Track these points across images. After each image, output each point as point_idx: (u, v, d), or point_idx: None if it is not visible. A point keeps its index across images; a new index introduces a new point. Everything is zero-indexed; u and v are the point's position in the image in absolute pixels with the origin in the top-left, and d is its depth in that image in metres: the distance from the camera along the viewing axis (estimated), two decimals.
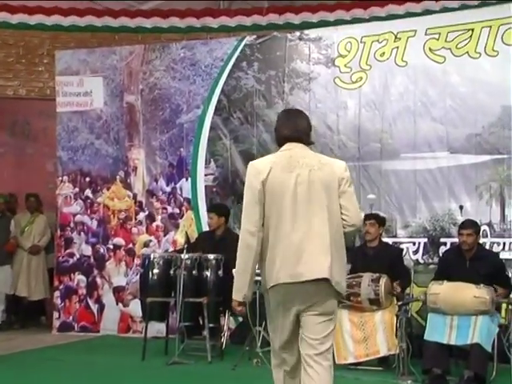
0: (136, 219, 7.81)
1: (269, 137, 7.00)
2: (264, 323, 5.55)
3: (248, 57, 7.49)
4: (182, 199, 7.64)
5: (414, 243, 6.63)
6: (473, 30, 6.47)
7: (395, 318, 5.44)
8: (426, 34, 6.67)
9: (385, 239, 6.39)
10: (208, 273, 6.24)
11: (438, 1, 7.93)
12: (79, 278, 7.88)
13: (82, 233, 7.96)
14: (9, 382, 5.37)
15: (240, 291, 3.36)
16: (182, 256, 6.07)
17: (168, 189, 7.71)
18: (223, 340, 6.45)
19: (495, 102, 6.40)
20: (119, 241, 7.83)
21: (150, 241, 7.71)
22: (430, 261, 6.50)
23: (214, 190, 7.52)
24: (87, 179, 8.00)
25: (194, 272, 6.18)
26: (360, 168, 6.87)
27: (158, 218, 7.72)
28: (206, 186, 7.54)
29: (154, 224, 7.74)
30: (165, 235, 7.68)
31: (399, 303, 5.56)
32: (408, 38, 6.75)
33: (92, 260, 7.90)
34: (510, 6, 6.31)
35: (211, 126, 7.54)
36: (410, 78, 6.79)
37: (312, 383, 3.31)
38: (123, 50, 8.09)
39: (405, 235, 6.69)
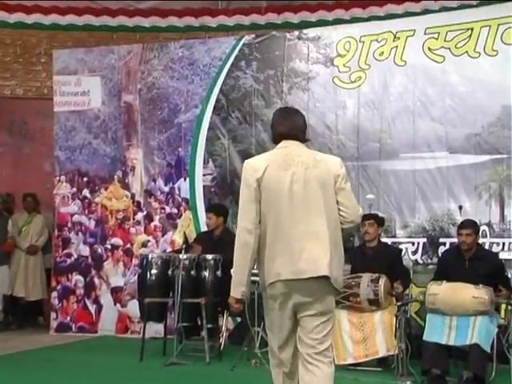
0: (134, 219, 7.79)
1: (267, 136, 6.97)
2: (262, 324, 5.53)
3: (246, 56, 7.47)
4: (180, 199, 7.63)
5: (413, 243, 6.62)
6: (472, 29, 6.46)
7: (394, 319, 5.42)
8: (425, 34, 6.65)
9: (384, 239, 6.38)
10: (206, 273, 6.22)
11: (437, 0, 7.91)
12: (77, 279, 7.86)
13: (80, 233, 7.94)
14: (6, 383, 5.35)
15: (238, 288, 3.38)
16: (180, 256, 6.05)
17: (166, 189, 7.69)
18: (221, 341, 6.43)
19: (495, 101, 6.39)
20: (117, 241, 7.81)
21: (148, 241, 7.70)
22: (429, 261, 6.49)
23: (213, 189, 7.51)
24: (85, 179, 7.98)
25: (192, 272, 6.17)
26: (359, 168, 6.85)
27: (156, 218, 7.70)
28: (204, 186, 7.53)
29: (152, 224, 7.72)
30: (163, 235, 7.67)
31: (398, 304, 5.54)
32: (407, 37, 6.74)
33: (90, 260, 7.88)
34: (509, 5, 6.30)
35: (209, 125, 7.52)
36: (409, 78, 6.78)
37: (314, 378, 3.31)
38: (121, 49, 8.07)
39: (404, 235, 6.68)
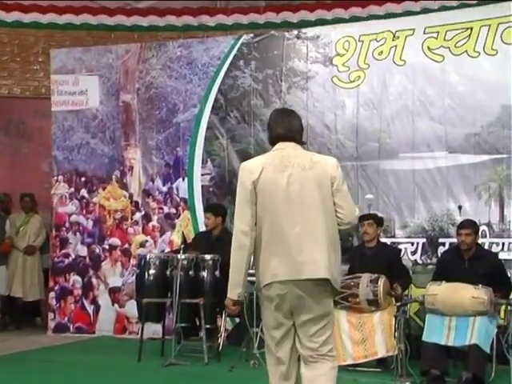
0: (132, 219, 7.77)
1: (266, 136, 6.91)
2: (261, 324, 5.50)
3: (245, 55, 7.44)
4: (178, 199, 7.61)
5: (413, 243, 6.60)
6: (472, 28, 6.44)
7: (394, 319, 5.40)
8: (424, 33, 6.63)
9: (383, 239, 6.36)
10: (205, 273, 6.21)
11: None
12: (75, 279, 7.84)
13: (78, 233, 7.92)
14: None
15: (234, 289, 3.40)
16: (179, 256, 6.03)
17: (164, 189, 7.67)
18: (220, 341, 6.41)
19: (494, 101, 6.37)
20: (115, 241, 7.79)
21: (146, 241, 7.68)
22: (429, 261, 6.47)
23: (211, 189, 7.49)
24: (83, 179, 7.96)
25: (190, 272, 6.14)
26: (358, 168, 6.82)
27: (155, 218, 7.68)
28: (202, 186, 7.51)
29: (151, 224, 7.70)
30: (161, 235, 7.65)
31: (398, 304, 5.51)
32: (406, 36, 6.72)
33: (87, 260, 7.86)
34: (509, 4, 6.28)
35: (208, 125, 7.50)
36: (408, 77, 6.76)
37: (317, 373, 3.31)
38: (119, 48, 8.05)
39: (403, 235, 6.66)
